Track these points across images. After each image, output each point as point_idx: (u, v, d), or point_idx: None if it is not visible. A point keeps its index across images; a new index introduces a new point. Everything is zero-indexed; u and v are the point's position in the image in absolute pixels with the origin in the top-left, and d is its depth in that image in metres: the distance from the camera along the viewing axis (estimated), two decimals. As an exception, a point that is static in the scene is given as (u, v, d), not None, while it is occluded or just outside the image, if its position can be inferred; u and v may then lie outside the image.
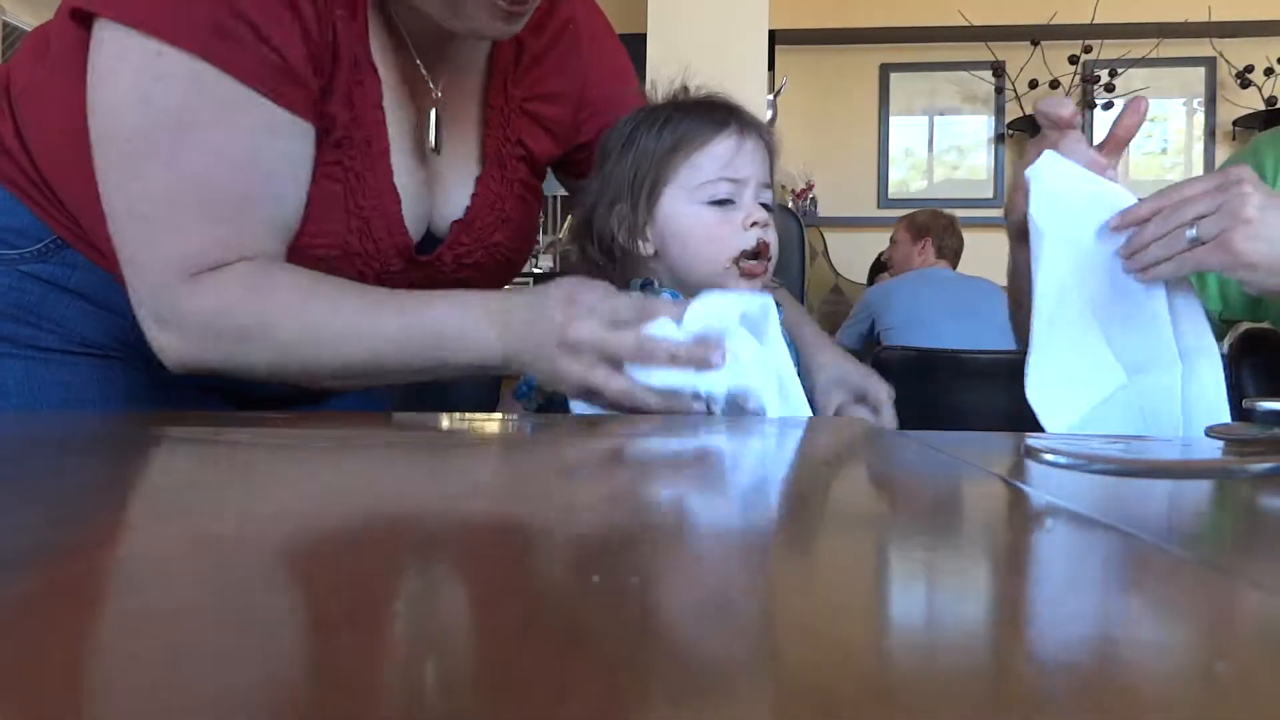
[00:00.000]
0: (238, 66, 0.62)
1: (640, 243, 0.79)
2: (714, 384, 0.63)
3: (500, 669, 0.12)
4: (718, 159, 0.77)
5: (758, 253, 0.77)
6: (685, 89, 0.83)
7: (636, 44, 2.35)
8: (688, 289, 0.79)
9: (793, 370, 0.70)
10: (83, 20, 0.63)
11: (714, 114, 0.79)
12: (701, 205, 0.77)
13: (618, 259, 0.81)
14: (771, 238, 0.79)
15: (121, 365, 0.75)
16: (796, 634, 0.14)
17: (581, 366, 0.62)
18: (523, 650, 0.12)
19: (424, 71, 0.74)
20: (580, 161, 0.86)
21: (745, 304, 0.66)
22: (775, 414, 0.65)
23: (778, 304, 0.83)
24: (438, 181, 0.77)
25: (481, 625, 0.14)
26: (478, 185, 0.79)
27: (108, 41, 0.61)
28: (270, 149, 0.65)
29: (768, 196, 0.80)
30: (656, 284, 0.80)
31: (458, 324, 0.65)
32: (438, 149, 0.75)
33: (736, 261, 0.77)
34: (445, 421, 0.64)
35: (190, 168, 0.62)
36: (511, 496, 0.29)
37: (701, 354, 0.62)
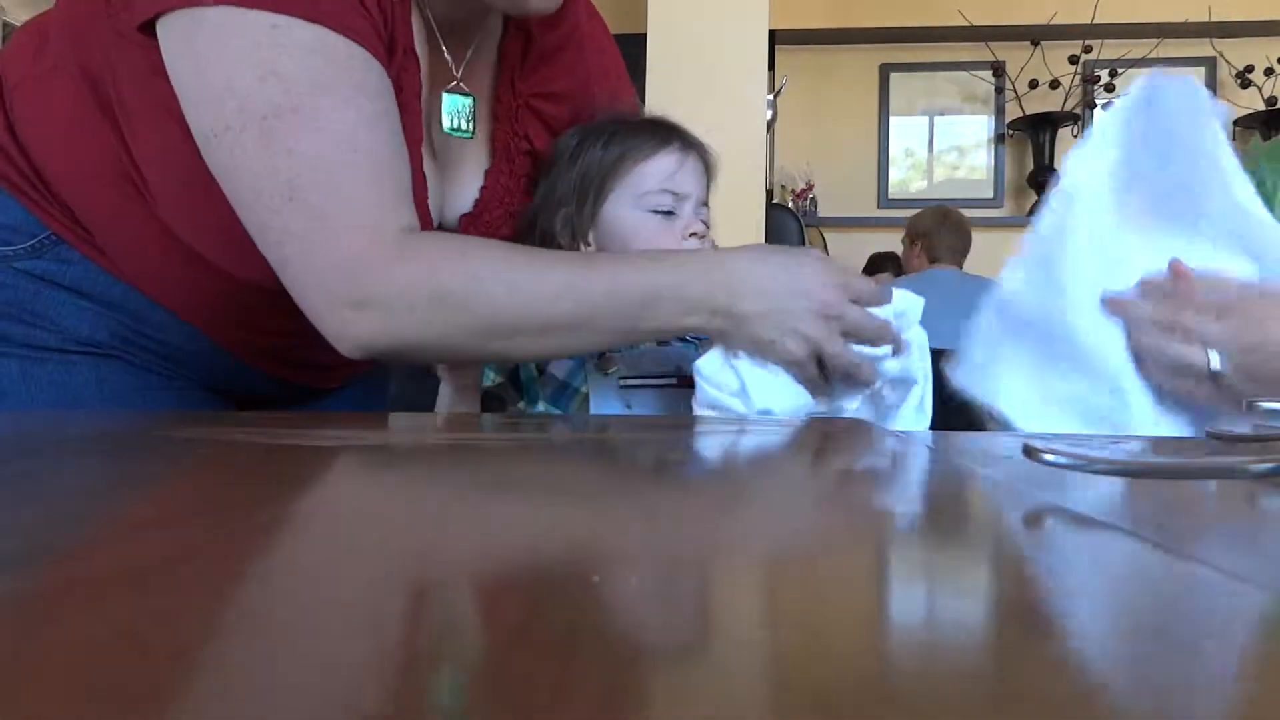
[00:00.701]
0: (348, 26, 0.60)
1: (582, 245, 0.83)
2: (891, 366, 0.71)
3: (500, 669, 0.12)
4: (661, 171, 0.82)
5: None
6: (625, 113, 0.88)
7: (636, 44, 2.35)
8: None
9: (929, 377, 0.77)
10: (149, 26, 0.61)
11: (658, 131, 0.84)
12: (644, 212, 0.82)
13: None
14: (706, 248, 0.84)
15: (119, 364, 0.74)
16: (796, 634, 0.14)
17: (826, 332, 0.67)
18: (523, 650, 0.12)
19: (448, 57, 0.74)
20: None
21: (919, 303, 0.75)
22: (910, 412, 0.74)
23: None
24: (448, 172, 0.77)
25: (481, 625, 0.14)
26: (487, 178, 0.79)
27: (207, 25, 0.59)
28: (390, 108, 0.64)
29: (705, 214, 0.85)
30: None
31: (673, 282, 0.66)
32: (469, 131, 0.76)
33: None
34: (442, 422, 0.64)
35: (333, 130, 0.60)
36: (509, 496, 0.29)
37: (898, 339, 0.70)
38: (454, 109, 0.75)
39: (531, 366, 0.82)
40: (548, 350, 0.69)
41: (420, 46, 0.71)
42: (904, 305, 0.72)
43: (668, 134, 0.84)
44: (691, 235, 0.82)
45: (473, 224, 0.78)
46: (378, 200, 0.62)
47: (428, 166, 0.73)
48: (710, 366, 0.69)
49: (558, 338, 0.66)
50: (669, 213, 0.82)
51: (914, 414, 0.75)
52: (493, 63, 0.80)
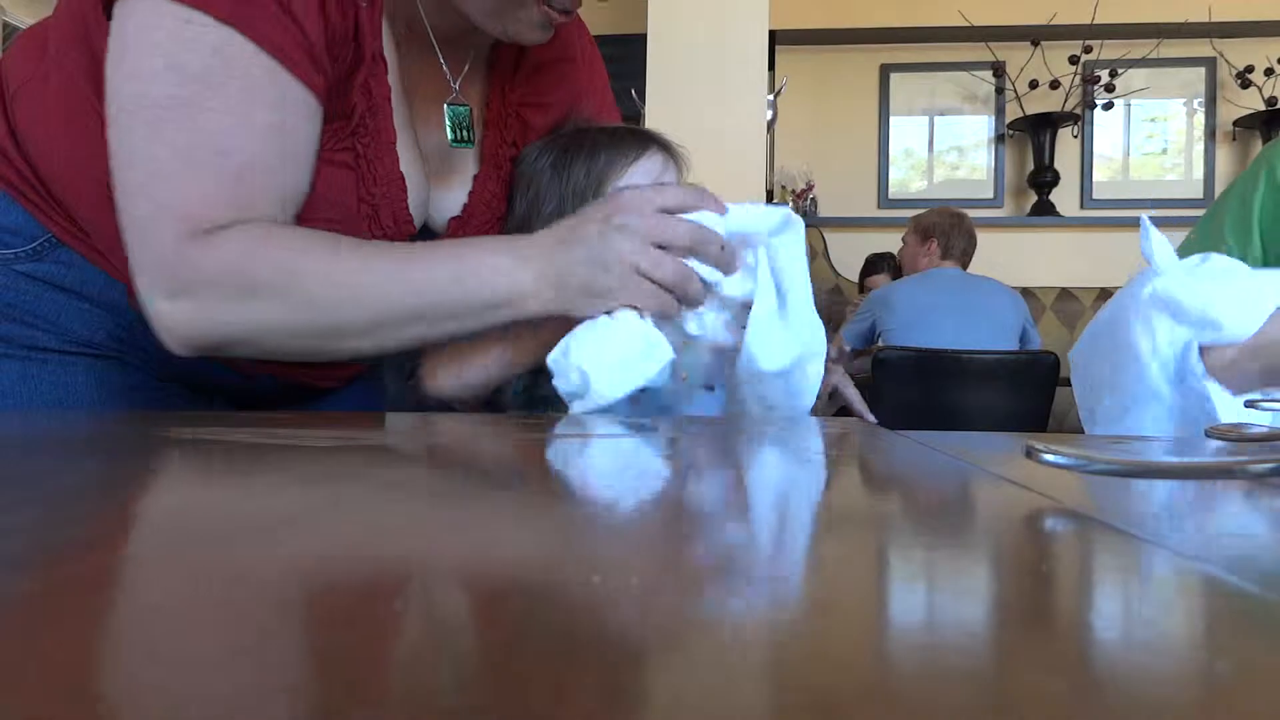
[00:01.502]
0: (262, 35, 0.61)
1: None
2: (733, 288, 0.65)
3: (500, 669, 0.12)
4: (649, 172, 0.85)
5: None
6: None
7: (636, 44, 2.35)
8: None
9: (808, 296, 0.69)
10: (107, 8, 0.63)
11: (637, 136, 0.87)
12: None
13: None
14: None
15: (119, 364, 0.75)
16: (796, 635, 0.14)
17: (633, 245, 0.63)
18: (522, 650, 0.12)
19: (446, 70, 0.75)
20: None
21: (776, 217, 0.67)
22: (762, 340, 0.66)
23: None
24: (437, 177, 0.78)
25: (480, 625, 0.14)
26: (475, 184, 0.80)
27: (138, 14, 0.61)
28: (287, 121, 0.64)
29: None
30: None
31: (481, 255, 0.64)
32: (470, 141, 0.77)
33: None
34: (441, 421, 0.64)
35: (208, 128, 0.61)
36: (507, 495, 0.29)
37: (734, 256, 0.65)
38: (455, 119, 0.76)
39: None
40: (381, 344, 0.65)
41: (392, 48, 0.72)
42: (743, 222, 0.65)
43: (646, 139, 0.86)
44: None
45: (461, 227, 0.79)
46: (222, 196, 0.62)
47: (412, 169, 0.73)
48: (557, 362, 0.65)
49: (387, 331, 0.64)
50: None
51: (769, 342, 0.66)
52: (484, 71, 0.82)
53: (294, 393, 0.86)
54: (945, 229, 2.85)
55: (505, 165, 0.82)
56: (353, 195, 0.69)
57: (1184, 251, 1.14)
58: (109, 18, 0.63)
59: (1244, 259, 1.04)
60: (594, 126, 0.87)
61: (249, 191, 0.63)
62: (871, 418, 0.81)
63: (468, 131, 0.77)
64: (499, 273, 0.64)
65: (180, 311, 0.62)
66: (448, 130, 0.76)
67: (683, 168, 0.88)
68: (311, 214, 0.68)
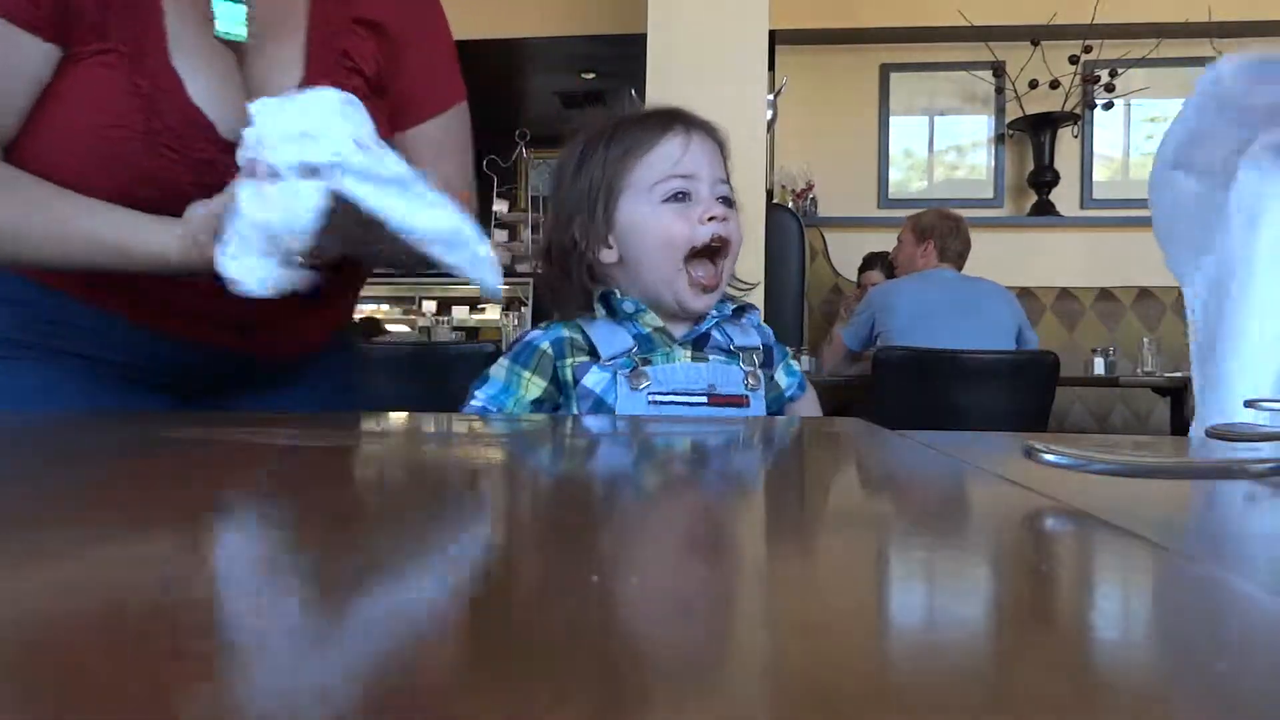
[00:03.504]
0: None
1: (603, 250, 0.81)
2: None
3: (500, 670, 0.12)
4: (667, 157, 0.80)
5: (713, 251, 0.79)
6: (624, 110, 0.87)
7: (636, 44, 2.35)
8: (647, 294, 0.82)
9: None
10: None
11: (658, 118, 0.82)
12: (658, 203, 0.80)
13: (573, 274, 0.82)
14: (729, 231, 0.80)
15: (30, 361, 0.77)
16: (797, 634, 0.14)
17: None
18: (523, 650, 0.12)
19: None
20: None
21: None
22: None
23: None
24: (254, 80, 0.78)
25: (480, 625, 0.14)
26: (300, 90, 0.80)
27: None
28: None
29: (725, 190, 0.82)
30: (618, 293, 0.82)
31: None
32: (245, 37, 0.77)
33: (688, 264, 0.79)
34: (433, 421, 0.64)
35: None
36: (506, 493, 0.29)
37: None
38: (225, 14, 0.76)
39: (569, 376, 0.80)
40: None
41: None
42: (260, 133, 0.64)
43: (669, 119, 0.82)
44: (710, 219, 0.79)
45: None
46: None
47: (199, 63, 0.74)
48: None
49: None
50: (684, 197, 0.80)
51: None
52: None
53: (226, 376, 0.84)
54: (943, 232, 2.84)
55: (336, 73, 0.79)
56: (118, 89, 0.71)
57: None
58: None
59: None
60: (618, 116, 0.84)
61: None
62: None
63: (241, 27, 0.76)
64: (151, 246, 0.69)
65: None
66: (216, 23, 0.76)
67: (720, 139, 0.83)
68: (78, 109, 0.71)
